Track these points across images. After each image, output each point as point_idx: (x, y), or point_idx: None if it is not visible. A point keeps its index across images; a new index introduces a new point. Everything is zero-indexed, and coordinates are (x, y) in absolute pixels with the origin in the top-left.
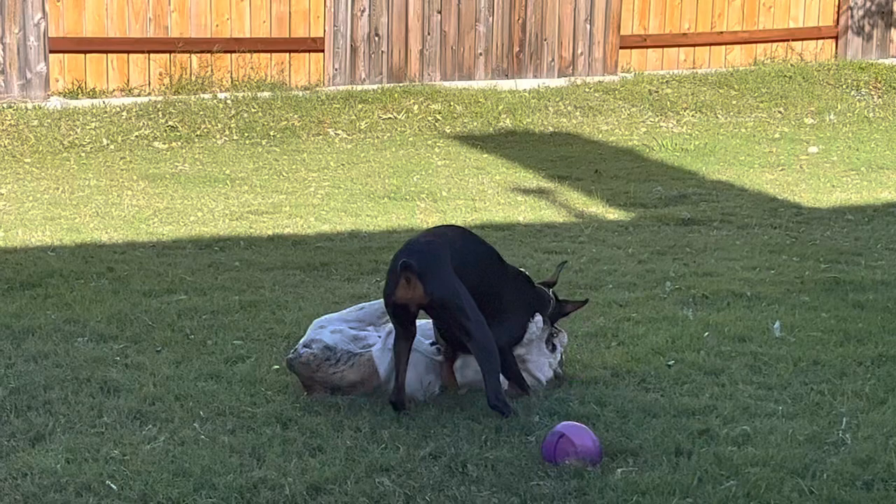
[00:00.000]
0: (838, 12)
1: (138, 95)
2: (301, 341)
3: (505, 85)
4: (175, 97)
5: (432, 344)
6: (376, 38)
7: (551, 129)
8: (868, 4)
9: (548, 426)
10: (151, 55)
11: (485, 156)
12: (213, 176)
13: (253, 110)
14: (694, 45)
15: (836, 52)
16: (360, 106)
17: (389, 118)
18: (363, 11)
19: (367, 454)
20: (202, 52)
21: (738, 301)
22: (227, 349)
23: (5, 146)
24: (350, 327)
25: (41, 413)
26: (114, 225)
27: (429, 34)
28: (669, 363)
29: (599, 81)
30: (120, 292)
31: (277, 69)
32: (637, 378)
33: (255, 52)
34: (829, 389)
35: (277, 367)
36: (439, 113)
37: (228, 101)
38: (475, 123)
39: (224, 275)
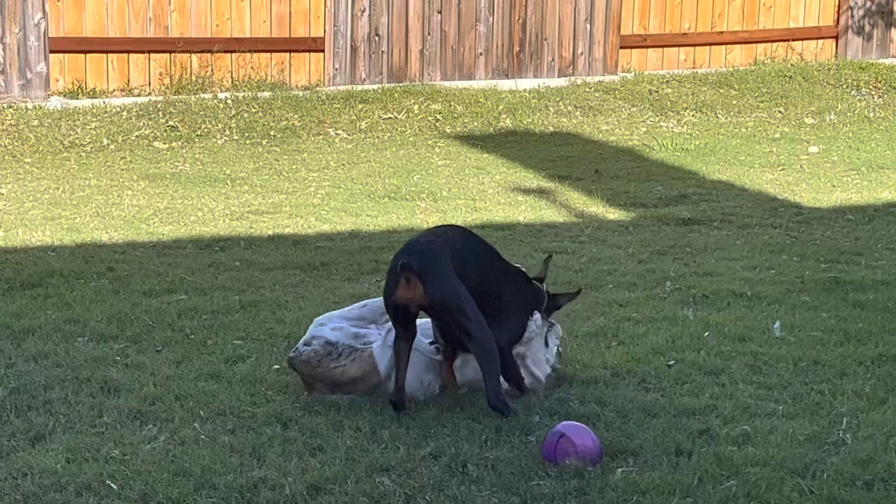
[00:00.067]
0: (838, 12)
1: (138, 95)
2: (302, 340)
3: (505, 85)
4: (175, 97)
5: (431, 343)
6: (376, 38)
7: (551, 128)
8: (868, 4)
9: (548, 426)
10: (152, 55)
11: (485, 156)
12: (214, 176)
13: (253, 110)
14: (694, 45)
15: (837, 52)
16: (360, 106)
17: (390, 118)
18: (363, 11)
19: (368, 454)
20: (202, 51)
21: (739, 301)
22: (228, 349)
23: (6, 146)
24: (351, 325)
25: (41, 413)
26: (114, 225)
27: (429, 34)
28: (669, 363)
29: (600, 81)
30: (120, 292)
31: (278, 69)
32: (637, 378)
33: (256, 51)
34: (830, 389)
35: (278, 366)
36: (439, 113)
37: (229, 101)
38: (475, 123)
39: (224, 274)
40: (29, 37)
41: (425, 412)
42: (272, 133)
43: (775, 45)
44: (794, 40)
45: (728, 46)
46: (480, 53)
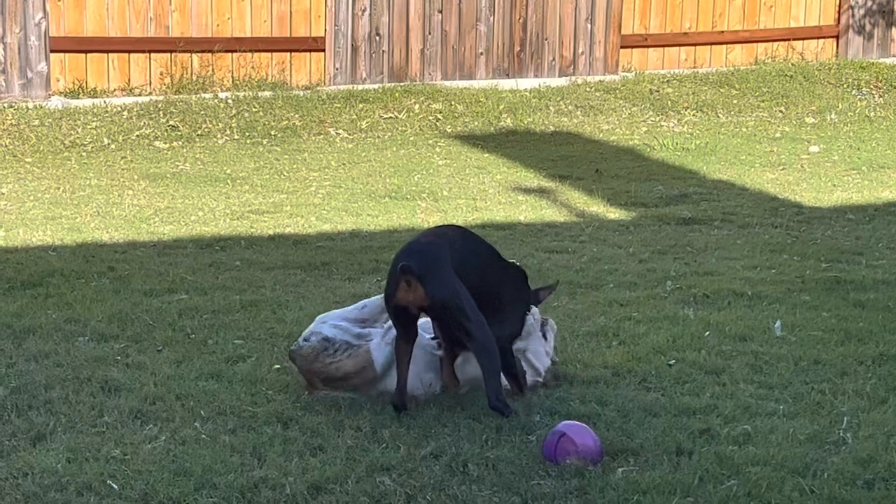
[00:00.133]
0: (839, 11)
1: (139, 95)
2: (303, 335)
3: (506, 84)
4: (176, 97)
5: (433, 338)
6: (377, 38)
7: (552, 128)
8: (869, 3)
9: (549, 425)
10: (152, 55)
11: (486, 155)
12: (214, 175)
13: (254, 110)
14: (695, 45)
15: (837, 52)
16: (360, 105)
17: (390, 118)
18: (364, 11)
19: (368, 453)
20: (203, 51)
21: (739, 300)
22: (228, 348)
23: (6, 146)
24: (353, 325)
25: (42, 412)
26: (115, 224)
27: (430, 34)
28: (670, 362)
29: (600, 81)
30: (121, 292)
31: (278, 69)
32: (638, 377)
33: (256, 51)
34: (830, 389)
35: (278, 366)
36: (440, 112)
37: (229, 101)
38: (476, 123)
39: (225, 274)
40: (30, 36)
41: (426, 412)
42: (273, 133)
43: (776, 44)
44: (794, 40)
45: (729, 46)
46: (481, 53)
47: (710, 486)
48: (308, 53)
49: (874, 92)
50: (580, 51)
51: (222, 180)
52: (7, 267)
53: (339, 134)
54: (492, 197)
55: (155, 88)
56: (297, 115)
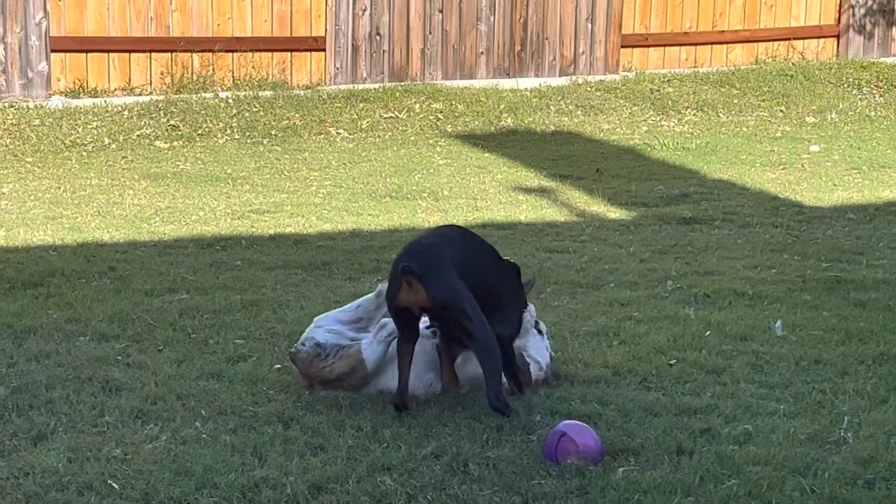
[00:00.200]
0: (840, 11)
1: (140, 95)
2: (300, 339)
3: (506, 84)
4: (176, 96)
5: (428, 327)
6: (378, 38)
7: (553, 128)
8: (869, 3)
9: (549, 425)
10: (153, 54)
11: (486, 155)
12: (215, 175)
13: (254, 109)
14: (695, 44)
15: (838, 51)
16: (361, 105)
17: (391, 117)
18: (364, 10)
19: (369, 453)
20: (204, 51)
21: (740, 300)
22: (229, 348)
23: (7, 145)
24: (348, 328)
25: (43, 412)
26: (115, 224)
27: (430, 33)
28: (671, 362)
29: (601, 80)
30: (121, 291)
31: (279, 68)
32: (639, 377)
33: (257, 51)
34: (831, 388)
35: (279, 366)
36: (441, 112)
37: (230, 101)
38: (476, 122)
39: (226, 274)
40: (30, 36)
41: (427, 411)
42: (273, 132)
43: (776, 44)
44: (795, 39)
45: (729, 45)
46: (482, 52)
47: (710, 485)
48: (308, 53)
49: (875, 91)
50: (581, 50)
51: (223, 180)
52: (8, 267)
53: (340, 133)
54: (492, 196)
55: (155, 88)
56: (297, 115)
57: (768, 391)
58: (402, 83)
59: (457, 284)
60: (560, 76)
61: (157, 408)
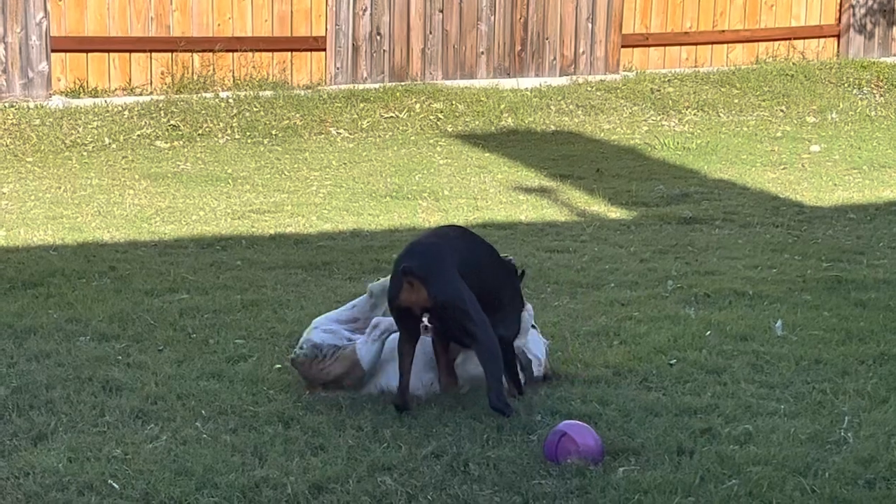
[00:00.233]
0: (840, 11)
1: (140, 94)
2: (299, 342)
3: (507, 84)
4: (177, 96)
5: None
6: (378, 37)
7: (553, 127)
8: (870, 3)
9: (550, 425)
10: (153, 54)
11: (486, 154)
12: (215, 175)
13: (255, 109)
14: (696, 44)
15: (838, 51)
16: (361, 105)
17: (391, 117)
18: (365, 10)
19: (370, 453)
20: (204, 51)
21: (740, 300)
22: (229, 348)
23: (7, 145)
24: (345, 328)
25: (43, 412)
26: (116, 224)
27: (430, 33)
28: (671, 362)
29: (601, 80)
30: (122, 291)
31: (279, 68)
32: (639, 377)
33: (257, 51)
34: (831, 388)
35: (279, 366)
36: (441, 112)
37: (230, 100)
38: (477, 122)
39: (226, 274)
40: (31, 36)
41: (427, 411)
42: (274, 132)
43: (777, 43)
44: (795, 39)
45: (730, 45)
46: (482, 52)
47: (711, 485)
48: (309, 53)
49: (875, 91)
50: (581, 50)
51: (223, 180)
52: (8, 267)
53: (340, 133)
54: (493, 196)
55: (156, 88)
56: (297, 115)
57: (769, 391)
58: (403, 83)
59: (458, 285)
60: (560, 76)
61: (158, 408)
